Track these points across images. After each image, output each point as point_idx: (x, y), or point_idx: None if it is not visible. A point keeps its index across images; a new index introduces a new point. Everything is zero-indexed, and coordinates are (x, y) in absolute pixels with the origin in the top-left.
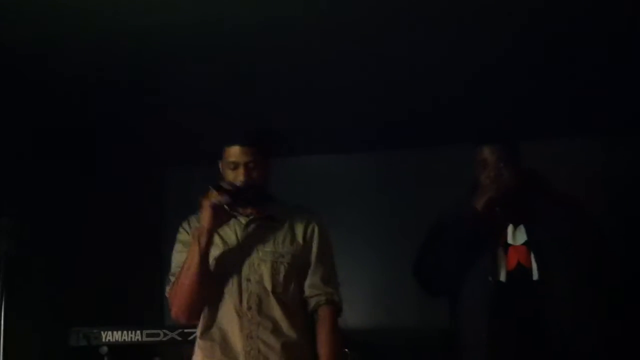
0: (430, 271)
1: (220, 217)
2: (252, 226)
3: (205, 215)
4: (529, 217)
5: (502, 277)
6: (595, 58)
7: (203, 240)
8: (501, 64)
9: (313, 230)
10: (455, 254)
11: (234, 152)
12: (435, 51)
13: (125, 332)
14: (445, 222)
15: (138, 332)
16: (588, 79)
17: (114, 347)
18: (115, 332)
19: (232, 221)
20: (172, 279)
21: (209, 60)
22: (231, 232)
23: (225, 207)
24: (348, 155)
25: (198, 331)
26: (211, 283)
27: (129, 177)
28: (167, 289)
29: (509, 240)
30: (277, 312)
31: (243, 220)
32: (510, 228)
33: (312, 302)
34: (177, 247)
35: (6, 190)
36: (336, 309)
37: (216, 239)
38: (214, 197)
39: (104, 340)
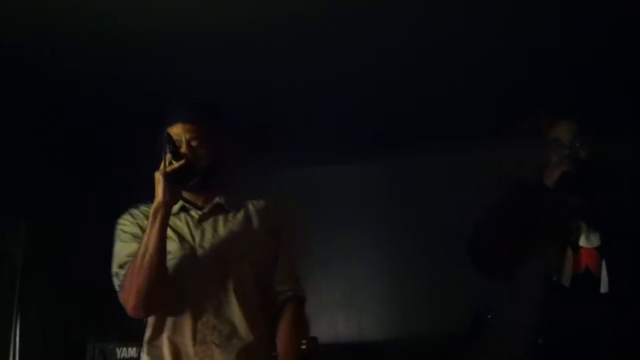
0: (487, 250)
1: (175, 193)
2: (207, 220)
3: (159, 189)
4: (606, 219)
5: (566, 281)
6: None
7: (161, 214)
8: (496, 61)
9: (277, 220)
10: (518, 235)
11: (176, 131)
12: (431, 52)
13: (140, 348)
14: (513, 200)
15: None
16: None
17: None
18: (130, 348)
19: (184, 215)
20: (121, 271)
21: (207, 63)
22: (184, 227)
23: (176, 185)
24: (359, 162)
25: (146, 336)
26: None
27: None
28: (116, 283)
29: (581, 241)
30: (236, 315)
31: (195, 214)
32: (584, 227)
33: (280, 298)
34: (123, 237)
35: (21, 198)
36: (302, 303)
37: (169, 231)
38: (169, 166)
39: (119, 356)
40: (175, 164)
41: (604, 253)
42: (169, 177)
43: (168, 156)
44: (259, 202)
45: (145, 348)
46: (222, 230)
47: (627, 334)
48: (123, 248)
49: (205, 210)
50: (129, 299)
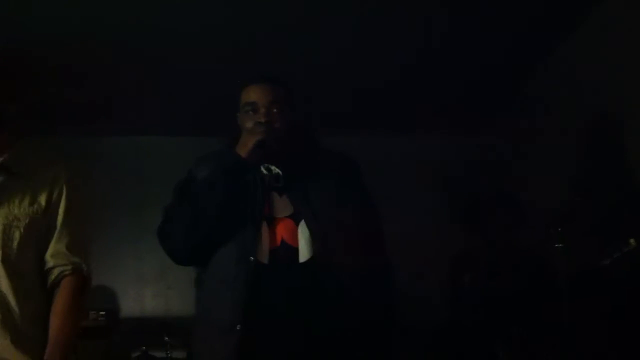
0: (178, 235)
1: None
2: None
3: None
4: (298, 181)
5: (264, 258)
6: None
7: None
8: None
9: (61, 189)
10: (208, 214)
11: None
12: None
13: None
14: (202, 176)
15: None
16: None
17: None
18: None
19: None
20: None
21: None
22: None
23: None
24: (179, 135)
25: None
26: None
27: None
28: None
29: (276, 212)
30: (7, 291)
31: None
32: (275, 196)
33: (55, 274)
34: None
35: None
36: (83, 280)
37: None
38: None
39: None
40: None
41: (298, 220)
42: None
43: None
44: (42, 162)
45: None
46: None
47: (331, 305)
48: None
49: None
50: None
